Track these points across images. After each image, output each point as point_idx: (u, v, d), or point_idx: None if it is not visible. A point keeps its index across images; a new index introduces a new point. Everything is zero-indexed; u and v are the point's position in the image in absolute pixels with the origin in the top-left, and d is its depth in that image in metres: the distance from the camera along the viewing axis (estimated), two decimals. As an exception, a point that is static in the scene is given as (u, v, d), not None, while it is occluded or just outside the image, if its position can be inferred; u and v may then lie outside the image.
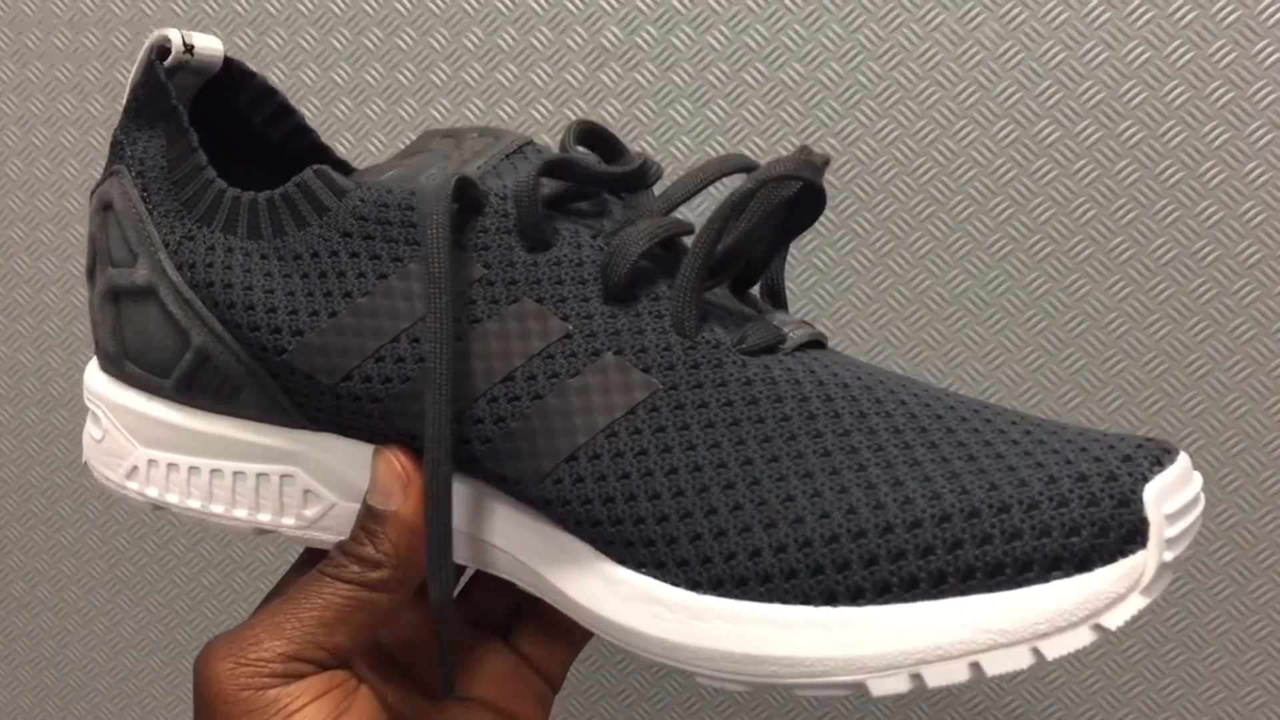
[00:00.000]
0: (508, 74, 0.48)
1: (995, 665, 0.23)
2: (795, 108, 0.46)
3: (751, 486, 0.25)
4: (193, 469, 0.30)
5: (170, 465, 0.31)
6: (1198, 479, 0.25)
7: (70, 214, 0.53)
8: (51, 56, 0.51)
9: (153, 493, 0.31)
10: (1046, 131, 0.45)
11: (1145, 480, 0.23)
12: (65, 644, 0.58)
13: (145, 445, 0.31)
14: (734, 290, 0.30)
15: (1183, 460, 0.24)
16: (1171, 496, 0.23)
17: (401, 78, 0.49)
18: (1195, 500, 0.24)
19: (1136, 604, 0.22)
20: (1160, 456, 0.24)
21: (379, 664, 0.31)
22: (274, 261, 0.28)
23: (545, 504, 0.26)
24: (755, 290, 0.31)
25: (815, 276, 0.47)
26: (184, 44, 0.30)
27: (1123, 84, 0.44)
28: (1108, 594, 0.22)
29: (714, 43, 0.46)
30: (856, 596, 0.23)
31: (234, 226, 0.29)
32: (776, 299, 0.31)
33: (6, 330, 0.54)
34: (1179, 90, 0.44)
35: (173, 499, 0.31)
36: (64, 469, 0.55)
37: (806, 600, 0.24)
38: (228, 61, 0.31)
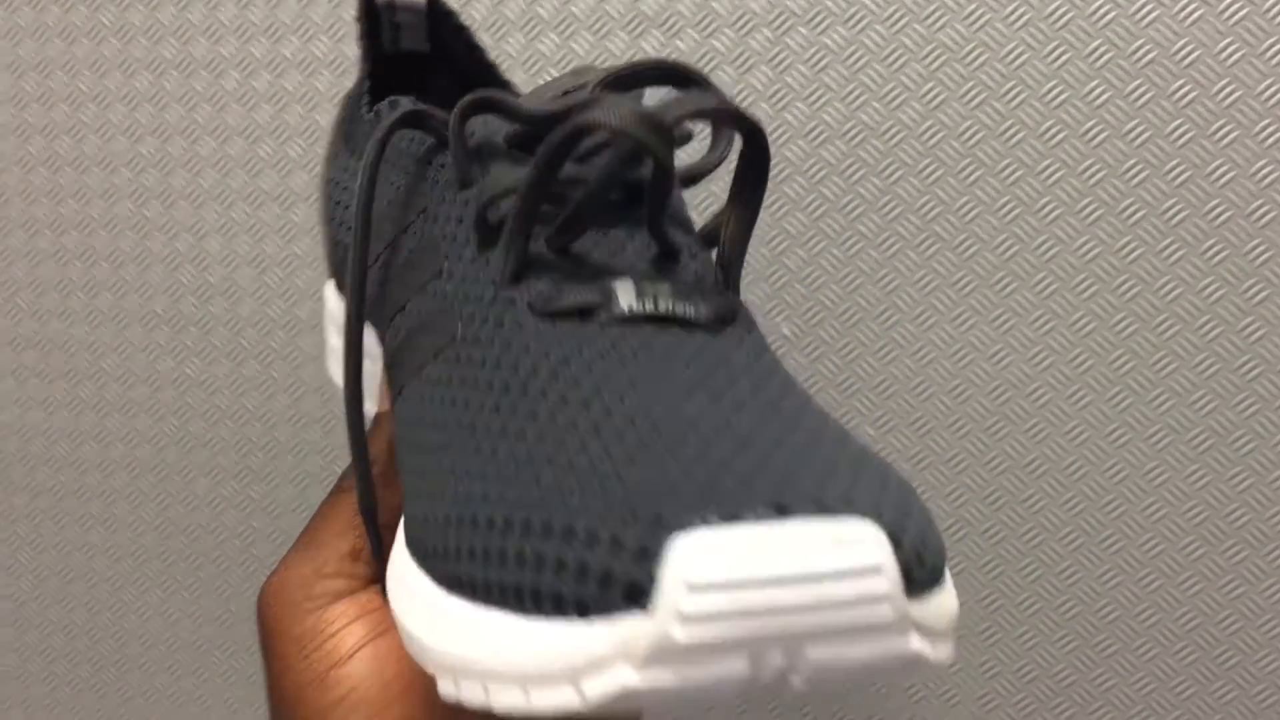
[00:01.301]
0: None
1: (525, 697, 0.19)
2: (800, 109, 0.46)
3: (443, 455, 0.22)
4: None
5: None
6: (800, 560, 0.17)
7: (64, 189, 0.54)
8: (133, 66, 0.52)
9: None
10: (1053, 131, 0.45)
11: (685, 530, 0.17)
12: (121, 615, 0.59)
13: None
14: (668, 257, 0.27)
15: (774, 530, 0.17)
16: (710, 563, 0.17)
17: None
18: (763, 582, 0.17)
19: (625, 678, 0.17)
20: (760, 511, 0.17)
21: None
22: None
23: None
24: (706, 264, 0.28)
25: (823, 278, 0.47)
26: None
27: (1129, 83, 0.44)
28: (585, 653, 0.18)
29: (719, 47, 0.46)
30: (467, 591, 0.20)
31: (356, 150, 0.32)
32: (726, 275, 0.27)
33: (33, 306, 0.55)
34: (1186, 89, 0.43)
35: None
36: (93, 441, 0.56)
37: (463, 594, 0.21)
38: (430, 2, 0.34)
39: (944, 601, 0.19)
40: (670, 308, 0.24)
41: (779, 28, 0.46)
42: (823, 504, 0.18)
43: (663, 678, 0.17)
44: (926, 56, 0.45)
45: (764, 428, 0.20)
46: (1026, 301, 0.46)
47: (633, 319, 0.24)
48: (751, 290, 0.48)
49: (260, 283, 0.52)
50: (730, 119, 0.24)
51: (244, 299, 0.53)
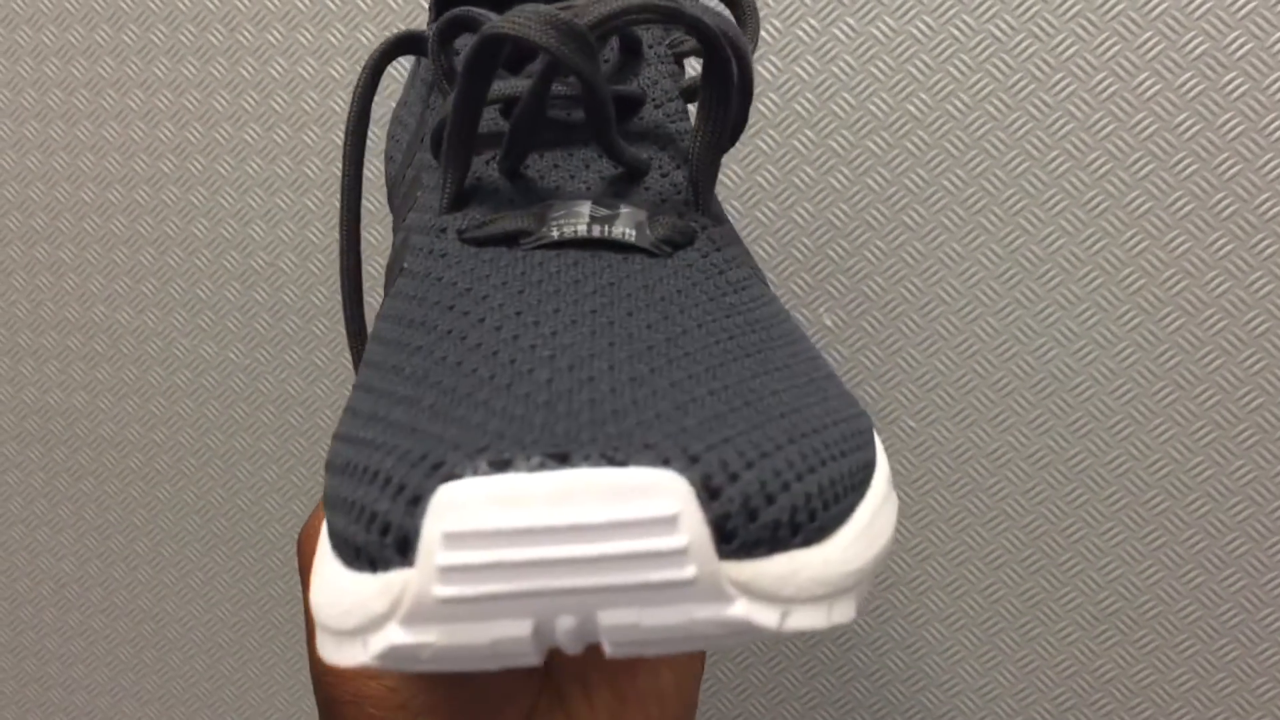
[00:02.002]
0: None
1: None
2: (809, 99, 0.47)
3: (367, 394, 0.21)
4: None
5: None
6: (569, 511, 0.15)
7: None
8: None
9: None
10: (1059, 124, 0.45)
11: (452, 479, 0.16)
12: (162, 597, 0.60)
13: None
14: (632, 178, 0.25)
15: (545, 479, 0.15)
16: (468, 513, 0.15)
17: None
18: (526, 535, 0.15)
19: (394, 636, 0.16)
20: (536, 458, 0.16)
21: None
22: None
23: None
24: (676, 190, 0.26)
25: (829, 267, 0.48)
26: None
27: (1136, 75, 0.44)
28: (367, 609, 0.16)
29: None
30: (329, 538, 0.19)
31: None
32: (695, 193, 0.25)
33: (80, 290, 0.56)
34: (1193, 81, 0.43)
35: None
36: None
37: None
38: None
39: (798, 561, 0.17)
40: (605, 231, 0.22)
41: (788, 19, 0.46)
42: (612, 450, 0.16)
43: (429, 636, 0.16)
44: (934, 47, 0.45)
45: (632, 363, 0.18)
46: (1031, 293, 0.46)
47: (561, 244, 0.23)
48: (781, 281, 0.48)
49: (304, 269, 0.53)
50: (669, 19, 0.22)
51: (287, 285, 0.53)
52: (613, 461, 0.15)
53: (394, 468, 0.16)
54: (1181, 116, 0.44)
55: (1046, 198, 0.45)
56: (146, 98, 0.53)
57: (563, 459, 0.15)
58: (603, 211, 0.23)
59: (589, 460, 0.15)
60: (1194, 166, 0.44)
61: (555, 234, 0.22)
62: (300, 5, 0.50)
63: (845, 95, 0.46)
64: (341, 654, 0.17)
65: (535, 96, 0.23)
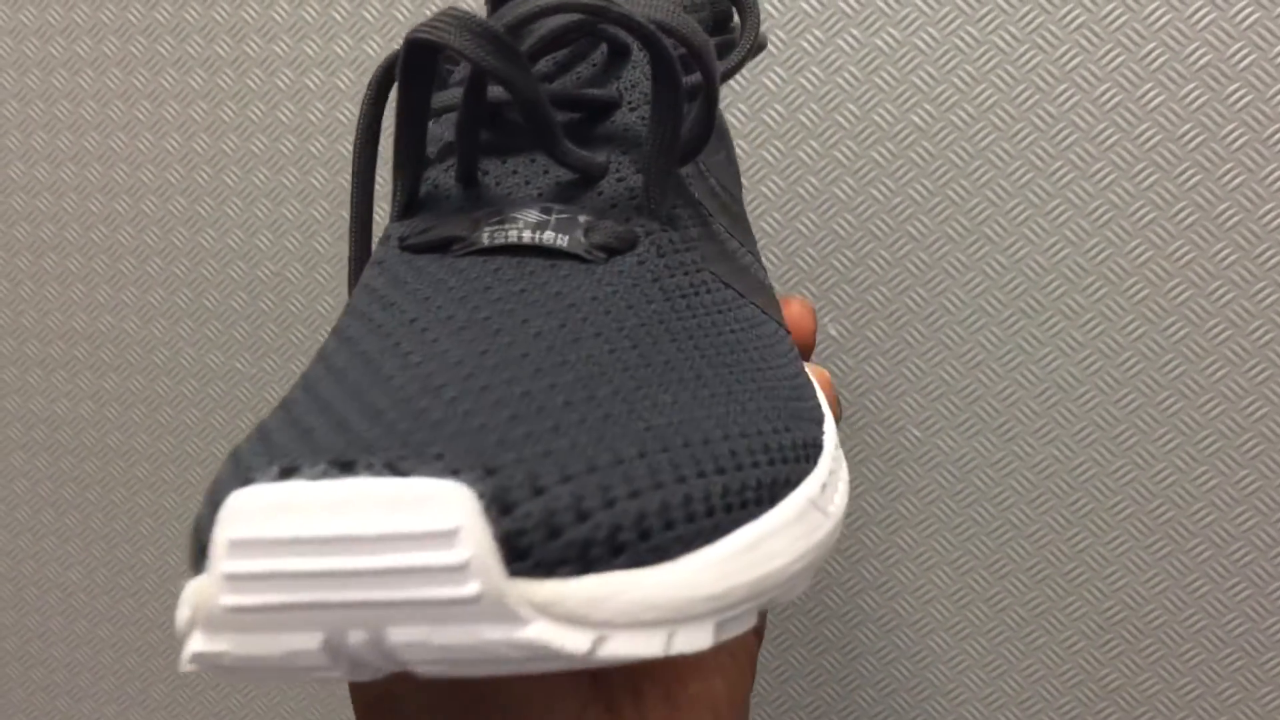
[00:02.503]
0: None
1: None
2: (813, 109, 0.47)
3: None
4: None
5: None
6: (345, 521, 0.15)
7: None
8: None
9: None
10: (1063, 134, 0.45)
11: (244, 485, 0.15)
12: (169, 605, 0.60)
13: None
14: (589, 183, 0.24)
15: (325, 487, 0.15)
16: (248, 521, 0.15)
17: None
18: (302, 544, 0.15)
19: (196, 644, 0.15)
20: (321, 466, 0.15)
21: None
22: None
23: None
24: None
25: (834, 278, 0.48)
26: None
27: (1140, 86, 0.44)
28: (181, 613, 0.16)
29: (733, 48, 0.47)
30: None
31: None
32: (648, 196, 0.24)
33: (87, 300, 0.56)
34: (1197, 92, 0.44)
35: None
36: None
37: None
38: None
39: (616, 584, 0.16)
40: (536, 238, 0.22)
41: (792, 30, 0.46)
42: (398, 459, 0.15)
43: (224, 645, 0.15)
44: (939, 58, 0.45)
45: (494, 372, 0.18)
46: (1035, 303, 0.46)
47: (492, 250, 0.22)
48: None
49: (310, 279, 0.53)
50: (594, 15, 0.21)
51: (293, 294, 0.54)
52: (395, 471, 0.15)
53: (223, 472, 0.16)
54: (1185, 127, 0.44)
55: (1050, 208, 0.46)
56: (154, 108, 0.53)
57: (347, 467, 0.15)
58: (540, 217, 0.22)
59: (371, 469, 0.15)
60: (1197, 177, 0.44)
61: (486, 240, 0.22)
62: (307, 16, 0.50)
63: (850, 106, 0.46)
64: (183, 659, 0.16)
65: (467, 106, 0.23)
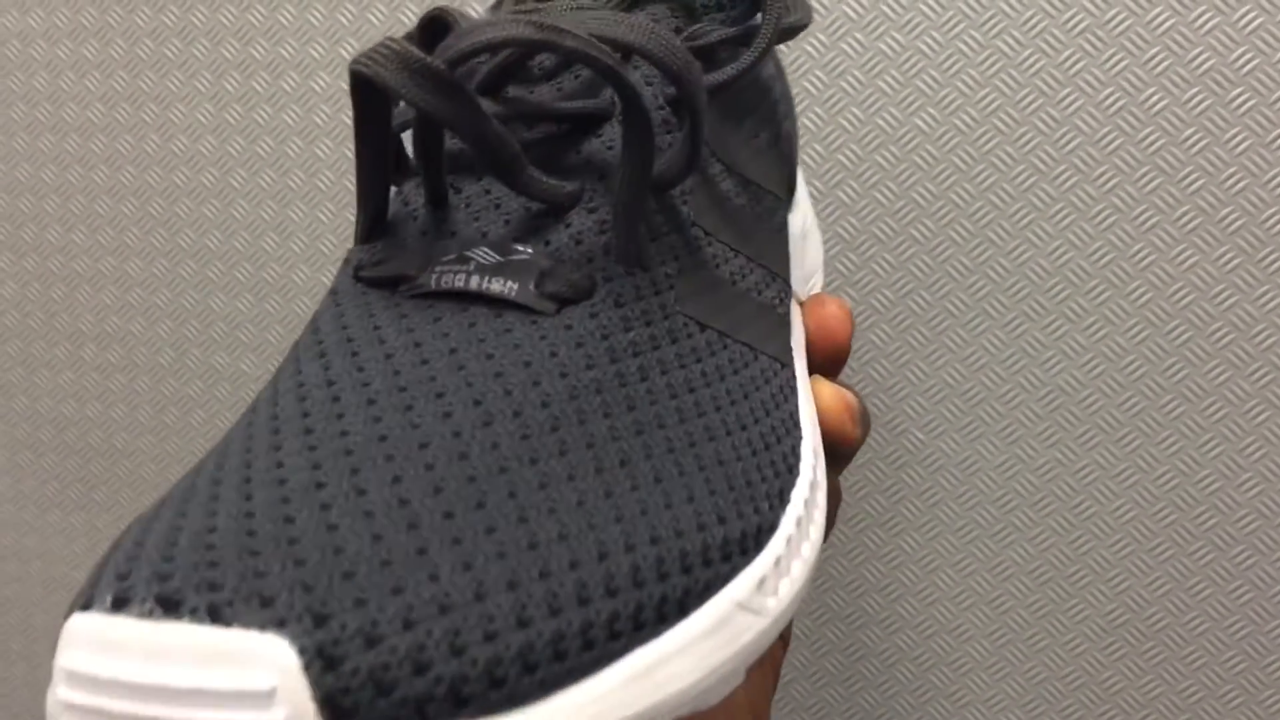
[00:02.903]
0: None
1: None
2: (817, 113, 0.47)
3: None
4: None
5: None
6: (161, 671, 0.14)
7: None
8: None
9: None
10: (1067, 138, 0.45)
11: (83, 610, 0.15)
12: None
13: None
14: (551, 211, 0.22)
15: (146, 628, 0.14)
16: (74, 652, 0.15)
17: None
18: (121, 687, 0.14)
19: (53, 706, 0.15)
20: (147, 602, 0.14)
21: None
22: None
23: None
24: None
25: (838, 281, 0.48)
26: None
27: (1144, 90, 0.44)
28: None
29: (737, 51, 0.47)
30: None
31: None
32: (617, 238, 0.22)
33: (93, 301, 0.57)
34: (1200, 96, 0.44)
35: None
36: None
37: None
38: None
39: None
40: (483, 285, 0.20)
41: (798, 35, 0.46)
42: (225, 603, 0.14)
43: None
44: (942, 61, 0.45)
45: (375, 468, 0.16)
46: (1038, 306, 0.47)
47: (439, 294, 0.21)
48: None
49: (316, 280, 0.53)
50: (542, 49, 0.20)
51: (299, 296, 0.54)
52: (217, 618, 0.14)
53: (97, 566, 0.16)
54: (1188, 131, 0.44)
55: (1054, 211, 0.46)
56: (160, 111, 0.53)
57: (171, 608, 0.14)
58: (494, 260, 0.21)
59: (194, 614, 0.14)
60: (1201, 181, 0.44)
61: (433, 283, 0.21)
62: (313, 20, 0.51)
63: (854, 110, 0.47)
64: None
65: (420, 134, 0.21)
